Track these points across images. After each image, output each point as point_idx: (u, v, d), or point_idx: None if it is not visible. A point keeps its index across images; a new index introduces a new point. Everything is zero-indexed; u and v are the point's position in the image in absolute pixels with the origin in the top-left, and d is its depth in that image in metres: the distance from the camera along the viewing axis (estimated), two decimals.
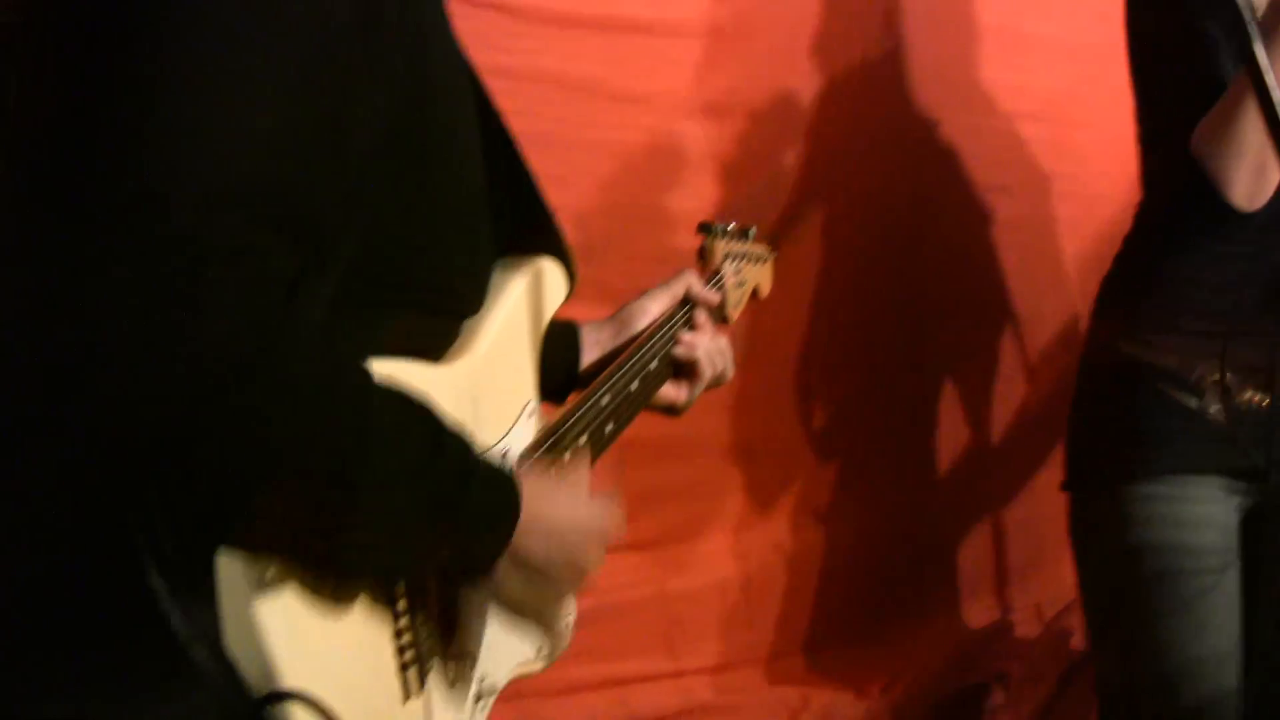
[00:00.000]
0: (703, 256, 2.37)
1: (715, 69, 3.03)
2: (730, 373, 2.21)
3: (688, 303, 2.18)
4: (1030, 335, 3.63)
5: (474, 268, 1.69)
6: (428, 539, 1.43)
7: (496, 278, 1.78)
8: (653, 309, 2.17)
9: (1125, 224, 2.65)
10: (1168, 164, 2.48)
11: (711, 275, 2.32)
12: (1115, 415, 2.61)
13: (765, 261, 2.52)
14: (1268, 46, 2.09)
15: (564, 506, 1.63)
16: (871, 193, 3.30)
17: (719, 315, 2.31)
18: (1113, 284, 2.72)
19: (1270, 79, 1.55)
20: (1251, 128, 2.26)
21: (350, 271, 1.43)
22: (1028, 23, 3.42)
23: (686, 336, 2.15)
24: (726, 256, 2.38)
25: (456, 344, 1.68)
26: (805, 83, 3.18)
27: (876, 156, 3.33)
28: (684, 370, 2.16)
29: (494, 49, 2.69)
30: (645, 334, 2.10)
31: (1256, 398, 2.51)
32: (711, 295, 2.22)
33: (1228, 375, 2.49)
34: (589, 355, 2.13)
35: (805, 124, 3.19)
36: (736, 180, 3.03)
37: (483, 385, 1.69)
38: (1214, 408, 2.51)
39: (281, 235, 1.29)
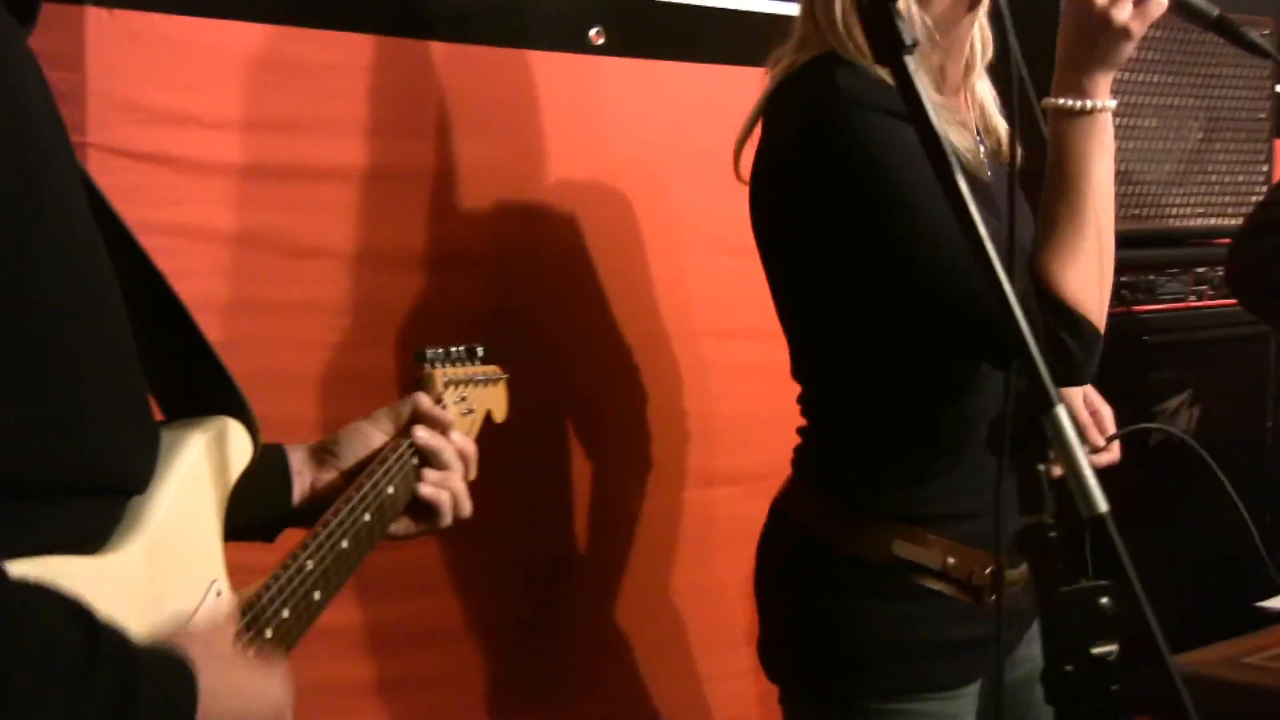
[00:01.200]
0: (421, 388, 2.18)
1: (402, 216, 2.93)
2: (467, 510, 2.05)
3: (409, 435, 2.00)
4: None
5: (131, 440, 1.56)
6: None
7: (167, 446, 1.64)
8: (373, 437, 2.00)
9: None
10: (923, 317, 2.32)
11: None
12: (881, 622, 2.40)
13: (498, 383, 2.35)
14: None
15: (244, 685, 1.51)
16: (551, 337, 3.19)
17: None
18: (846, 477, 2.48)
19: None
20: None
21: None
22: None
23: (434, 476, 2.00)
24: (448, 384, 2.22)
25: (122, 526, 1.53)
26: (492, 221, 3.07)
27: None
28: (422, 510, 2.01)
29: (154, 204, 2.56)
30: (361, 479, 1.92)
31: (1010, 575, 2.41)
32: (446, 416, 2.06)
33: (996, 560, 2.37)
34: (299, 486, 1.96)
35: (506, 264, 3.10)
36: (436, 330, 2.87)
37: (159, 569, 1.55)
38: (990, 598, 2.39)
39: None
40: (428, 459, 2.01)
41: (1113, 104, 2.27)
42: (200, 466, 1.66)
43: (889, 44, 1.55)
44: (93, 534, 1.48)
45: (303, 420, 2.71)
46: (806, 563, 2.49)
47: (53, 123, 1.46)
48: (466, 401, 2.24)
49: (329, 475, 1.96)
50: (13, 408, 1.35)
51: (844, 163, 2.30)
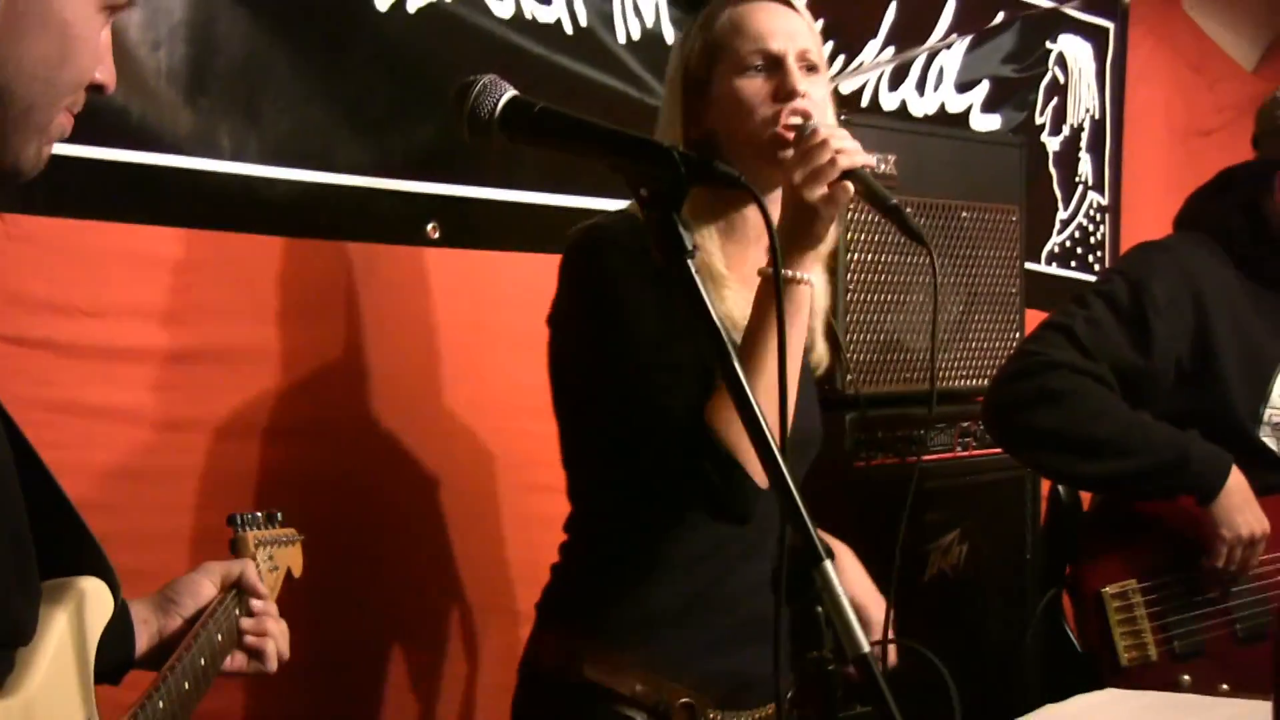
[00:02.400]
0: (235, 549, 2.27)
1: (254, 392, 2.98)
2: (286, 654, 2.14)
3: (236, 588, 2.10)
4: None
5: (20, 600, 1.61)
6: None
7: (45, 603, 1.69)
8: (205, 587, 2.08)
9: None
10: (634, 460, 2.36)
11: None
12: None
13: (295, 543, 2.43)
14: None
15: None
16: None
17: None
18: (558, 598, 2.54)
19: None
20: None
21: None
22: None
23: (250, 624, 2.09)
24: (258, 545, 2.29)
25: (11, 678, 1.59)
26: (336, 395, 3.14)
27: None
28: (250, 653, 2.10)
29: (39, 384, 2.61)
30: (197, 627, 2.01)
31: (718, 717, 2.42)
32: (262, 588, 2.14)
33: (691, 695, 2.39)
34: (146, 634, 2.02)
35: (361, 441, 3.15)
36: (286, 493, 2.92)
37: (39, 714, 1.61)
38: None
39: None
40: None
41: (811, 279, 2.26)
42: (73, 622, 1.72)
43: (672, 249, 1.62)
44: None
45: (167, 574, 2.74)
46: (526, 687, 2.52)
47: None
48: (273, 560, 2.32)
49: (174, 623, 2.03)
50: None
51: (580, 295, 2.40)
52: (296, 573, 2.42)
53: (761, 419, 1.57)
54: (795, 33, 2.42)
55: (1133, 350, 3.24)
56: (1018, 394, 3.23)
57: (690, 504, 2.33)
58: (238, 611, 2.10)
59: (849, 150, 2.22)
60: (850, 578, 2.69)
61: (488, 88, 1.81)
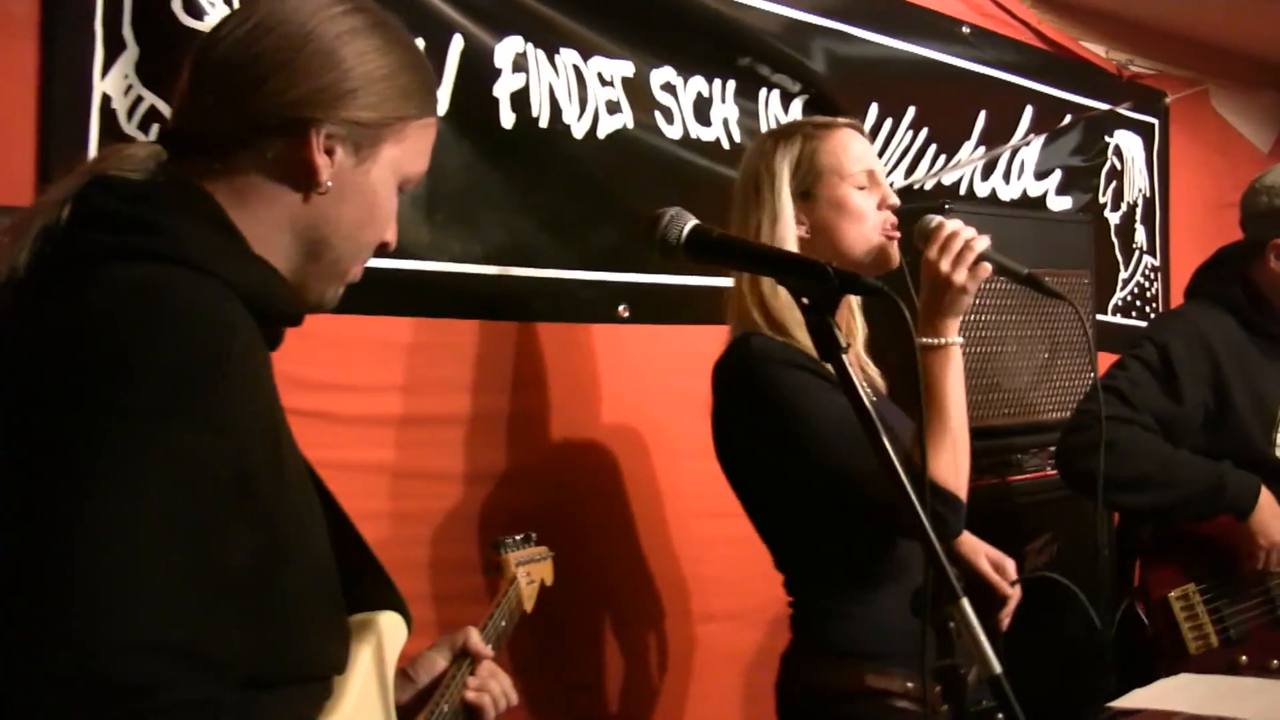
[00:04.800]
0: (498, 568, 2.23)
1: (508, 446, 2.96)
2: (514, 699, 1.99)
3: (466, 654, 1.94)
4: None
5: (334, 638, 1.57)
6: None
7: (355, 635, 1.65)
8: (437, 662, 1.95)
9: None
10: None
11: (506, 586, 2.19)
12: None
13: (547, 559, 2.40)
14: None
15: None
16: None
17: (519, 612, 2.20)
18: (818, 640, 2.45)
19: None
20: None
21: (247, 664, 1.31)
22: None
23: (474, 682, 1.93)
24: (519, 564, 2.24)
25: (330, 702, 1.54)
26: (550, 447, 3.08)
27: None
28: (474, 714, 1.95)
29: (314, 447, 2.49)
30: (431, 702, 1.88)
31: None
32: (486, 650, 1.96)
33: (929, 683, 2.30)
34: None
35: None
36: (502, 527, 2.77)
37: None
38: (942, 708, 2.34)
39: (201, 669, 1.20)
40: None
41: (959, 340, 2.30)
42: (375, 653, 1.67)
43: (829, 347, 1.56)
44: (316, 709, 1.51)
45: (413, 594, 2.67)
46: (805, 703, 2.45)
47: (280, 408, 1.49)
48: (530, 575, 2.27)
49: (405, 696, 1.90)
50: (274, 619, 1.38)
51: (762, 402, 2.34)
52: (549, 583, 2.38)
53: (907, 484, 1.51)
54: (876, 155, 2.53)
55: (1167, 399, 3.21)
56: (1078, 445, 3.17)
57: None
58: (468, 678, 1.94)
59: (977, 238, 2.28)
60: (975, 545, 2.70)
61: (675, 219, 1.76)
